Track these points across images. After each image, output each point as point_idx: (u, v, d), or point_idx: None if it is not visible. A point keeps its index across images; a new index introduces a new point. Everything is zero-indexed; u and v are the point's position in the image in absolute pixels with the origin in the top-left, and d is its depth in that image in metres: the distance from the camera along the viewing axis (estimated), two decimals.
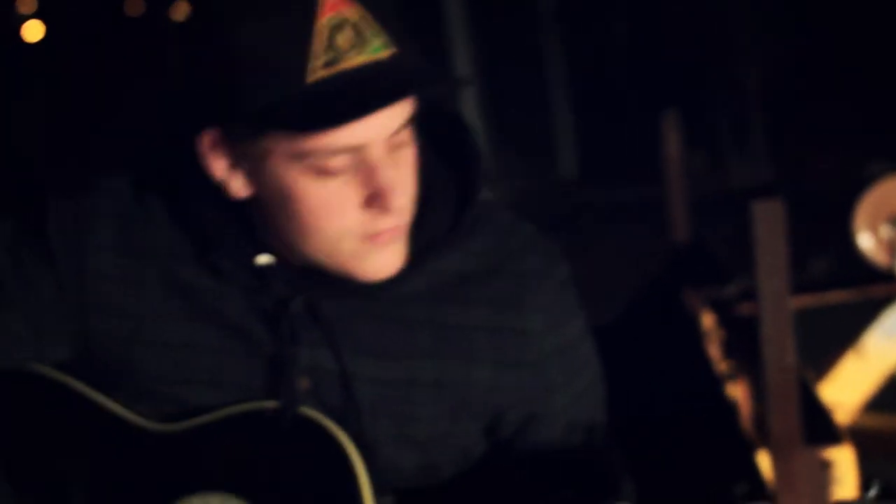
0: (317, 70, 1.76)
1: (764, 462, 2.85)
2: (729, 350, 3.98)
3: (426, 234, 1.94)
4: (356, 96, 1.77)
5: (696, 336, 4.07)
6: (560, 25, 13.93)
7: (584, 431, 2.09)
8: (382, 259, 1.88)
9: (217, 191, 1.92)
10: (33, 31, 11.76)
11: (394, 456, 1.99)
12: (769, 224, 2.39)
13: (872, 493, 2.58)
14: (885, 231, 4.02)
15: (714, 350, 4.06)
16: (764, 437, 2.55)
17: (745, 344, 3.62)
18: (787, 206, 2.67)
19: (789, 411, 2.47)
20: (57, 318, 2.03)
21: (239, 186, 1.86)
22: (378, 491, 1.93)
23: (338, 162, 1.78)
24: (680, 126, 5.15)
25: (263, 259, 1.94)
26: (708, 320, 4.21)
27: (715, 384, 3.50)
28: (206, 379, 1.99)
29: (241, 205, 1.94)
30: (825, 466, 2.59)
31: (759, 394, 2.89)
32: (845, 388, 4.01)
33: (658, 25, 13.32)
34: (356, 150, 1.79)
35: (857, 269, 4.11)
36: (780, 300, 2.43)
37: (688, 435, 2.75)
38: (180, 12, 11.88)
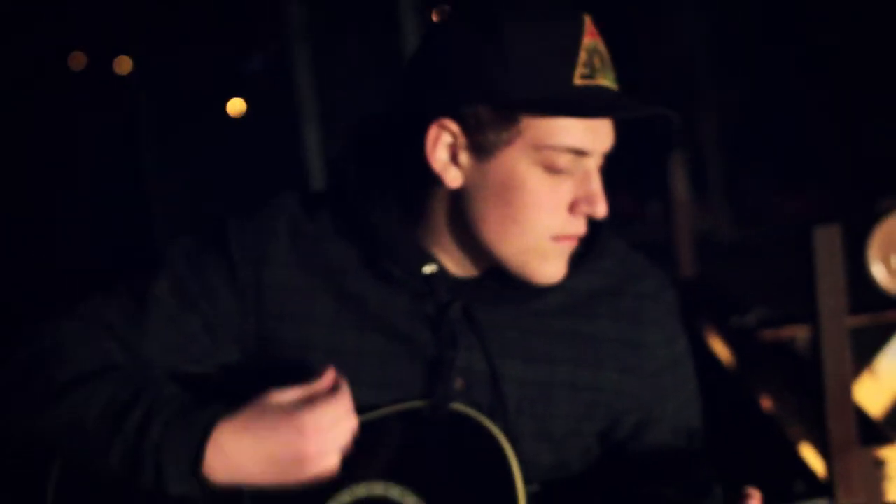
0: (580, 77, 1.98)
1: (816, 463, 3.11)
2: (750, 371, 4.25)
3: None
4: (613, 103, 2.00)
5: (716, 363, 4.34)
6: None
7: (686, 437, 2.28)
8: (556, 266, 2.08)
9: (391, 203, 2.13)
10: None
11: (532, 451, 2.17)
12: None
13: (799, 486, 2.80)
14: (895, 262, 4.27)
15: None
16: (819, 440, 2.80)
17: (772, 365, 3.90)
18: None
19: (846, 416, 2.73)
20: (232, 322, 2.18)
21: (454, 176, 2.05)
22: (525, 481, 2.08)
23: (564, 161, 1.99)
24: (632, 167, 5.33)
25: (430, 268, 2.13)
26: (719, 347, 4.47)
27: (748, 403, 3.74)
28: (371, 381, 2.15)
29: (417, 215, 2.14)
30: (879, 465, 2.84)
31: (803, 404, 3.15)
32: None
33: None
34: (580, 155, 2.00)
35: (871, 297, 4.26)
36: (839, 318, 2.70)
37: (737, 448, 2.97)
38: (123, 67, 11.99)
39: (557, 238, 2.07)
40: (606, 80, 2.02)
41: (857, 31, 10.91)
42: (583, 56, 1.99)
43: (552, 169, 2.01)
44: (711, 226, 11.57)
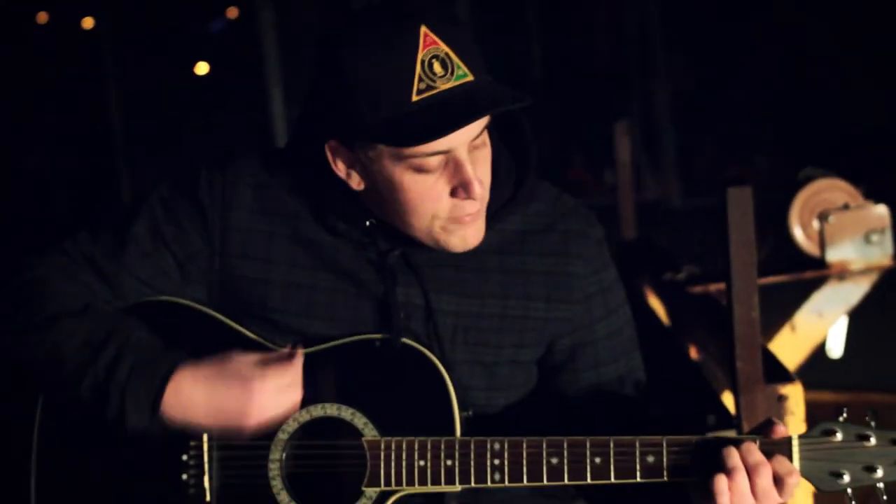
0: (417, 93, 2.20)
1: (728, 401, 3.41)
2: (682, 326, 4.54)
3: (495, 202, 2.43)
4: (449, 116, 2.20)
5: (656, 319, 4.61)
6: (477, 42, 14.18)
7: (626, 361, 2.56)
8: (466, 234, 2.36)
9: (333, 176, 2.37)
10: None
11: (467, 376, 2.47)
12: (740, 206, 2.96)
13: (711, 419, 3.04)
14: (815, 225, 4.53)
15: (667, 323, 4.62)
16: (730, 379, 3.09)
17: (697, 316, 4.19)
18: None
19: (754, 356, 3.02)
20: (200, 262, 2.46)
21: (356, 182, 2.34)
22: (461, 406, 2.38)
23: (432, 162, 2.26)
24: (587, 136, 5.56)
25: (370, 222, 2.41)
26: (655, 301, 4.76)
27: (683, 356, 4.02)
28: (323, 314, 2.44)
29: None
30: (781, 400, 3.13)
31: (720, 348, 3.44)
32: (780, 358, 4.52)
33: (572, 46, 13.62)
34: (446, 153, 2.27)
35: (792, 257, 4.59)
36: (749, 268, 2.99)
37: (662, 389, 3.23)
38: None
39: (453, 219, 2.33)
40: (451, 82, 2.22)
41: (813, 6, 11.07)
42: (419, 70, 2.20)
43: (422, 170, 2.28)
44: (664, 193, 11.79)
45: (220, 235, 2.45)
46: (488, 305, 2.46)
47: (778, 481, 2.22)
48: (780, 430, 2.25)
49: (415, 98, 2.20)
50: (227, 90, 11.52)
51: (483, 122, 2.27)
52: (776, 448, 2.25)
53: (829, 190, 4.53)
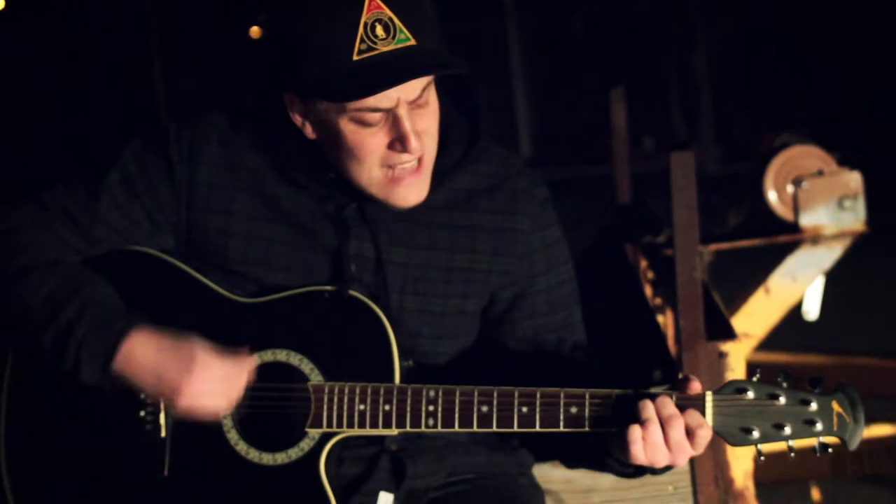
0: (359, 53, 2.35)
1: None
2: (657, 285, 4.66)
3: (445, 161, 2.56)
4: (384, 75, 2.34)
5: (635, 278, 4.73)
6: (520, 12, 14.22)
7: (564, 316, 2.67)
8: (407, 192, 2.49)
9: (295, 129, 2.52)
10: None
11: (414, 324, 2.59)
12: (682, 168, 3.09)
13: (657, 374, 3.13)
14: (789, 190, 4.59)
15: (647, 287, 4.74)
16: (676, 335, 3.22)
17: (669, 278, 4.31)
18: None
19: (695, 314, 3.14)
20: (168, 213, 2.60)
21: (309, 131, 2.49)
22: (402, 356, 2.51)
23: (373, 116, 2.40)
24: (628, 104, 5.61)
25: (330, 175, 2.55)
26: (643, 264, 4.88)
27: (647, 313, 4.13)
28: (280, 264, 2.58)
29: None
30: (722, 356, 3.25)
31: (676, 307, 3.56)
32: (754, 320, 4.59)
33: (614, 15, 13.63)
34: (387, 111, 2.41)
35: (768, 222, 4.66)
36: (691, 230, 3.11)
37: (625, 350, 3.34)
38: None
39: (391, 172, 2.46)
40: (392, 45, 2.37)
41: None
42: (360, 31, 2.35)
43: (364, 123, 2.42)
44: (702, 159, 11.81)
45: (187, 189, 2.58)
46: (436, 258, 2.59)
47: (690, 434, 2.33)
48: (695, 387, 2.36)
49: (355, 57, 2.35)
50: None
51: (422, 83, 2.41)
52: (690, 403, 2.35)
53: (804, 156, 4.59)
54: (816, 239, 4.56)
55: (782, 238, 4.61)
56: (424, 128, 2.45)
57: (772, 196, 4.60)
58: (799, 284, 4.56)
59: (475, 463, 2.71)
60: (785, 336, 5.06)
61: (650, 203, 5.20)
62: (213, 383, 2.44)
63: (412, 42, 2.38)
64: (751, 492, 3.36)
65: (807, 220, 4.58)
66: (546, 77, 13.79)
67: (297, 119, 2.49)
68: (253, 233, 2.58)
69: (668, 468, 2.40)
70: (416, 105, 2.42)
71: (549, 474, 3.02)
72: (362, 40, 2.35)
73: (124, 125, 12.09)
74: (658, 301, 4.61)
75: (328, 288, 2.53)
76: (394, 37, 2.37)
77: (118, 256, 2.62)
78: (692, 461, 3.20)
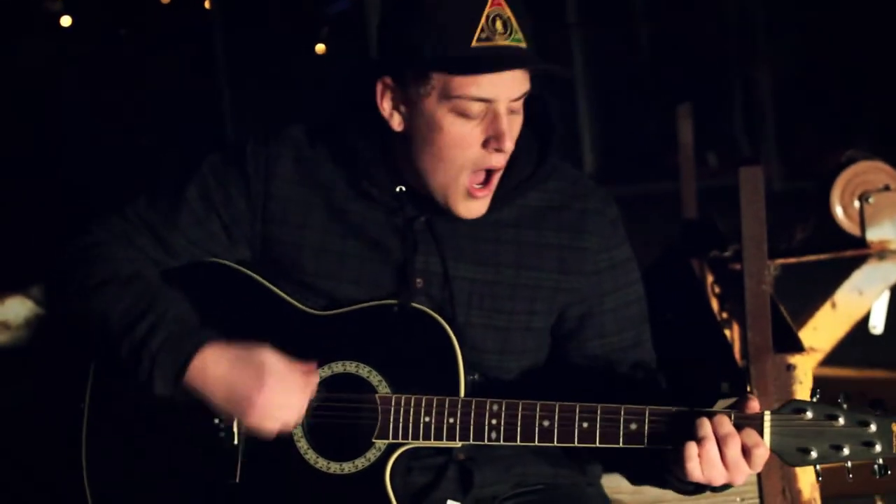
0: (478, 40, 2.43)
1: None
2: (724, 299, 4.67)
3: (515, 178, 2.61)
4: (502, 63, 2.43)
5: (702, 293, 4.74)
6: (584, 27, 14.25)
7: (632, 336, 2.69)
8: (475, 205, 2.55)
9: (372, 136, 2.57)
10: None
11: (480, 338, 2.62)
12: (751, 184, 3.10)
13: (725, 387, 3.12)
14: (856, 205, 4.60)
15: (714, 301, 4.75)
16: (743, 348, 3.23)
17: (736, 292, 4.32)
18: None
19: (763, 327, 3.16)
20: (244, 226, 2.67)
21: (397, 122, 2.53)
22: (468, 370, 2.54)
23: (474, 108, 2.45)
24: (693, 120, 5.62)
25: (400, 188, 2.60)
26: (710, 279, 4.89)
27: (715, 326, 4.14)
28: (350, 278, 2.63)
29: (390, 146, 2.58)
30: (790, 369, 3.26)
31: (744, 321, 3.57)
32: (820, 335, 4.59)
33: (678, 30, 13.61)
34: (488, 103, 2.46)
35: (834, 237, 4.68)
36: (760, 243, 3.13)
37: (693, 363, 3.35)
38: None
39: (476, 172, 2.51)
40: (507, 41, 2.45)
41: None
42: (483, 21, 2.42)
43: (464, 115, 2.47)
44: (766, 176, 11.73)
45: (262, 203, 2.65)
46: (502, 274, 2.62)
47: (746, 453, 2.35)
48: (753, 406, 2.38)
49: (474, 44, 2.43)
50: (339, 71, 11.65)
51: (524, 86, 2.48)
52: (748, 422, 2.36)
53: (871, 172, 4.60)
54: (883, 254, 4.57)
55: (849, 253, 4.63)
56: (513, 134, 2.51)
57: (838, 211, 4.61)
58: (865, 299, 4.56)
59: (543, 472, 2.73)
60: (850, 351, 5.00)
61: (716, 218, 5.20)
62: (283, 396, 2.49)
63: (524, 44, 2.46)
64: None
65: (873, 235, 4.60)
66: (609, 91, 13.77)
67: (386, 108, 2.53)
68: (325, 247, 2.64)
69: (726, 486, 2.41)
70: (511, 109, 2.48)
71: (617, 485, 3.03)
72: (483, 29, 2.42)
73: (192, 141, 12.18)
74: (725, 315, 4.62)
75: (395, 302, 2.58)
76: (510, 35, 2.44)
77: (196, 267, 2.69)
78: (759, 473, 3.19)
